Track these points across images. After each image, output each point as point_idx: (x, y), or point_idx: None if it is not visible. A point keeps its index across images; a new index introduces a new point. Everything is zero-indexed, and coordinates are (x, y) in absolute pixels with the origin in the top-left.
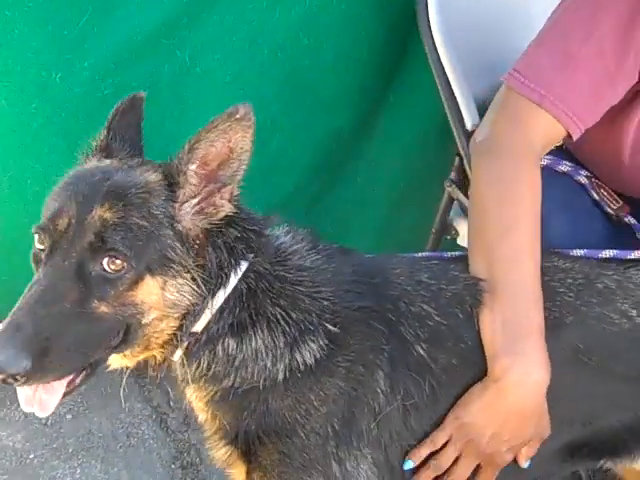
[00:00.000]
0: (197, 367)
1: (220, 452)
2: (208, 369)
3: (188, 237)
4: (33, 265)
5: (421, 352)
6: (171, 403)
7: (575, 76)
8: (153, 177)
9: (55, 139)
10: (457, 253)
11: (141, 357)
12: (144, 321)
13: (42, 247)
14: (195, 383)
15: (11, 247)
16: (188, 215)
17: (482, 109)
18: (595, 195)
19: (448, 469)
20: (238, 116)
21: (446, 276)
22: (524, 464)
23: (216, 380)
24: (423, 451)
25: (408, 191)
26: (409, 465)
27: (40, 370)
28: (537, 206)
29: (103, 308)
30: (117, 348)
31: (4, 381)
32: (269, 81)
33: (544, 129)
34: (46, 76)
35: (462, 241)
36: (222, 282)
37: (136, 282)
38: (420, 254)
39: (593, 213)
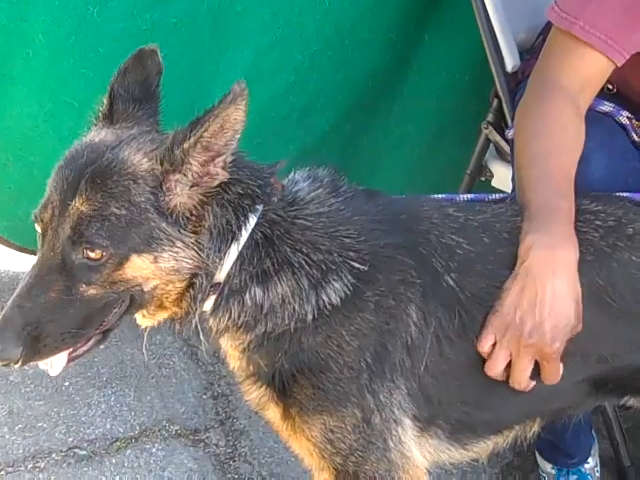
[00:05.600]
0: (229, 317)
1: (254, 395)
2: (239, 318)
3: (180, 212)
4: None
5: (450, 282)
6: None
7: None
8: (144, 164)
9: (92, 74)
10: (497, 195)
11: (161, 316)
12: (146, 289)
13: (40, 232)
14: (229, 332)
15: (46, 182)
16: (183, 191)
17: (522, 51)
18: (635, 136)
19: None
20: (233, 96)
21: (473, 209)
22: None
23: (249, 328)
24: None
25: (441, 133)
26: None
27: (34, 354)
28: (557, 140)
29: (92, 291)
30: (127, 312)
31: (4, 365)
32: (309, 20)
33: (580, 58)
34: (83, 10)
35: (496, 183)
36: (232, 237)
37: (121, 263)
38: (459, 196)
39: (633, 153)
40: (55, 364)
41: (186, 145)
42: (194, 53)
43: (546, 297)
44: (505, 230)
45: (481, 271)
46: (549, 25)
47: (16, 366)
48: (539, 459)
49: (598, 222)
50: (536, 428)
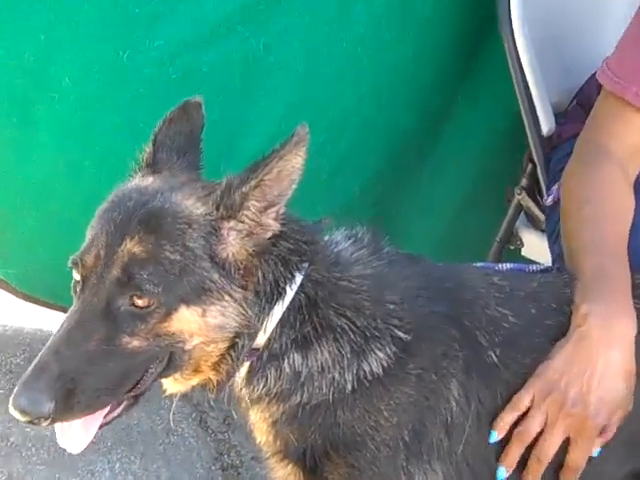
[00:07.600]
0: (264, 385)
1: (281, 473)
2: (275, 386)
3: (232, 263)
4: (73, 296)
5: (494, 358)
6: (211, 402)
7: None
8: (199, 208)
9: (119, 121)
10: (538, 266)
11: (195, 381)
12: (187, 347)
13: (78, 279)
14: (261, 403)
15: (64, 228)
16: (236, 240)
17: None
18: None
19: (536, 442)
20: (297, 139)
21: (519, 278)
22: (594, 451)
23: (283, 398)
24: (507, 418)
25: (471, 198)
26: (494, 437)
27: (66, 411)
28: (610, 206)
29: (135, 343)
30: (162, 374)
31: (30, 422)
32: (345, 76)
33: (631, 125)
34: (113, 55)
35: (527, 252)
36: (278, 296)
37: (169, 314)
38: (498, 265)
39: None
40: (78, 439)
41: (245, 189)
42: (224, 104)
43: (598, 367)
44: (554, 301)
45: (527, 346)
46: (584, 89)
47: (44, 424)
48: None
49: None
50: None
